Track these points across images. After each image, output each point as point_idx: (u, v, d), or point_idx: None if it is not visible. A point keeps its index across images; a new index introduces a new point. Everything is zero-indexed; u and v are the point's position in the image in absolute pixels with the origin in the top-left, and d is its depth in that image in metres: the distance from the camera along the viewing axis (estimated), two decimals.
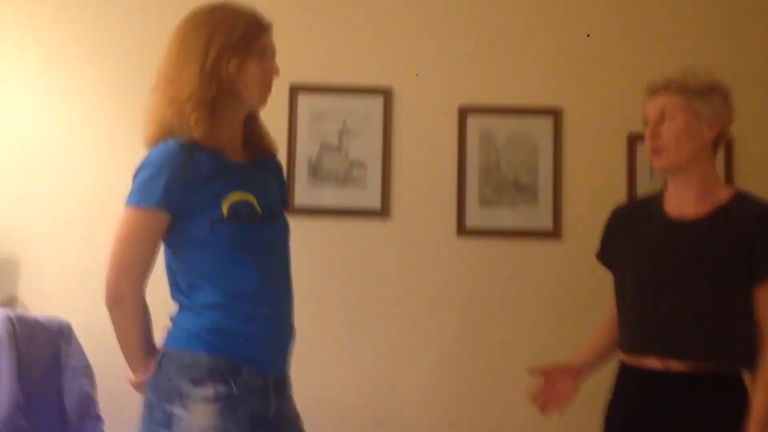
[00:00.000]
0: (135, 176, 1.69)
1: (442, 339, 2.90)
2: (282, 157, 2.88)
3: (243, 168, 1.77)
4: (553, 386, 2.00)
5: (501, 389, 2.89)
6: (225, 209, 1.69)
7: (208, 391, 1.63)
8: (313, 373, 2.86)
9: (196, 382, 1.64)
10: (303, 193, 2.94)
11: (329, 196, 2.94)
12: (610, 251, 2.06)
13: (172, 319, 1.75)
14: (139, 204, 1.65)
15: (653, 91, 1.92)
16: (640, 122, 2.00)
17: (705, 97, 1.87)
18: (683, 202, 1.93)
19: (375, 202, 2.93)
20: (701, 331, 1.82)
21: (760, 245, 1.81)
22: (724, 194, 1.91)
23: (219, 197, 1.69)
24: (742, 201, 1.90)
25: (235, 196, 1.71)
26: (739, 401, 1.82)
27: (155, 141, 1.70)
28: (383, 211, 2.92)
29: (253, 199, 1.74)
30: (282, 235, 1.85)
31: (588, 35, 2.96)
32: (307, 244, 2.92)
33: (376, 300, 2.92)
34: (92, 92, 2.99)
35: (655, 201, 2.00)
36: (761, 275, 1.81)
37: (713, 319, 1.82)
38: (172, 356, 1.67)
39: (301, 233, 2.88)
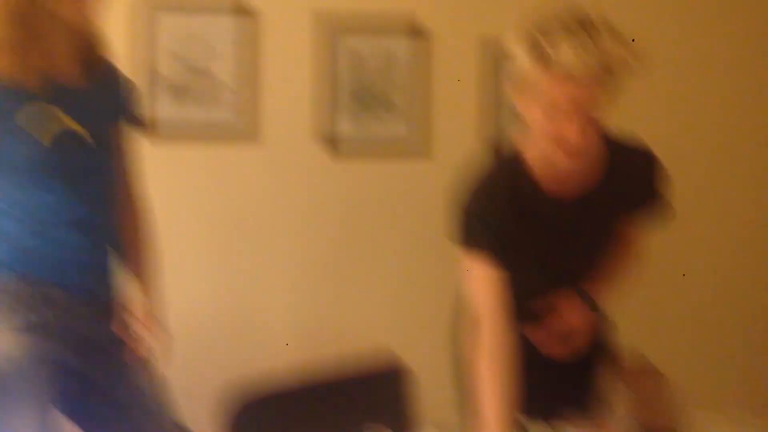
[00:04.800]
0: None
1: (310, 259, 2.92)
2: (144, 79, 2.79)
3: (72, 94, 1.63)
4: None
5: (368, 311, 2.96)
6: (49, 136, 1.57)
7: (18, 320, 1.56)
8: (177, 299, 2.83)
9: (5, 312, 1.55)
10: (167, 117, 2.83)
11: (195, 119, 2.85)
12: (506, 249, 1.69)
13: None
14: None
15: (569, 74, 1.48)
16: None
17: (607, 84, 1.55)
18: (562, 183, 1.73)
19: (243, 125, 2.88)
20: None
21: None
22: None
23: (44, 123, 1.57)
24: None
25: (62, 123, 1.59)
26: None
27: None
28: (252, 135, 2.88)
29: (80, 128, 1.63)
30: (106, 161, 1.73)
31: None
32: (173, 170, 2.85)
33: (246, 223, 2.90)
34: None
35: (526, 179, 1.73)
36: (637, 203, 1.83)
37: None
38: None
39: (165, 158, 2.82)
